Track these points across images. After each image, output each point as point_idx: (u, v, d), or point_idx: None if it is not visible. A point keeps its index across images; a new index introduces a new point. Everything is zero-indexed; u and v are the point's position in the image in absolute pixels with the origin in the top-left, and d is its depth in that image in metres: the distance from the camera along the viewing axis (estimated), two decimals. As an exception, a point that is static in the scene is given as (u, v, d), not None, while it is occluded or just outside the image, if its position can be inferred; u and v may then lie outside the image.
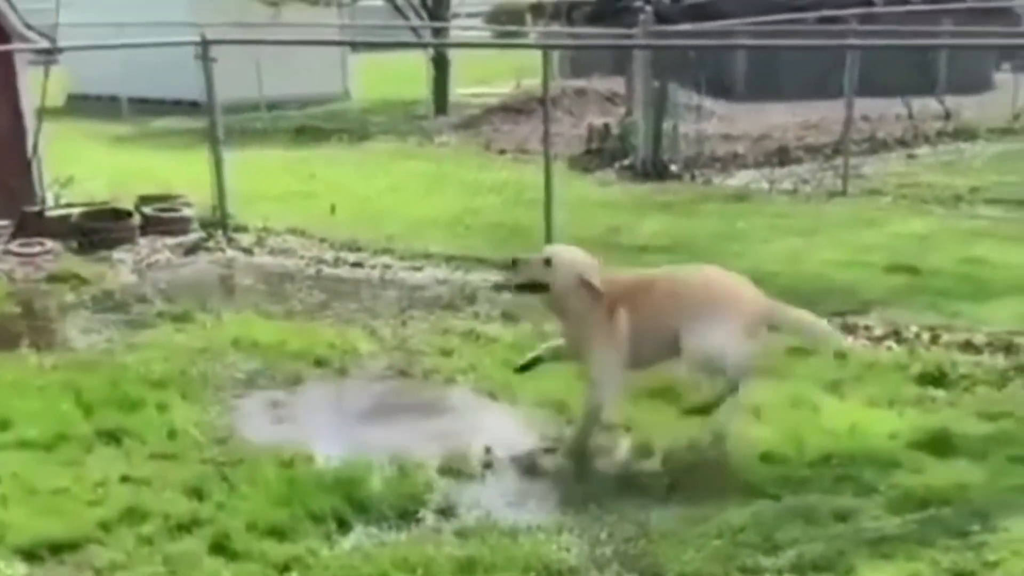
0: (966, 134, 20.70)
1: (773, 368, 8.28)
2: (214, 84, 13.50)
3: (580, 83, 24.08)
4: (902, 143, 19.91)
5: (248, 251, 13.04)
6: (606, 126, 19.29)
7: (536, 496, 6.72)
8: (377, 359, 9.14)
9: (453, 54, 27.18)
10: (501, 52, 29.86)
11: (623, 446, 7.24)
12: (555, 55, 28.21)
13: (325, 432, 7.77)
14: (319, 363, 8.98)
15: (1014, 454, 6.77)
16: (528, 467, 7.08)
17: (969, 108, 22.74)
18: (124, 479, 6.76)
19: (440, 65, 26.67)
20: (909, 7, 25.65)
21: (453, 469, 6.93)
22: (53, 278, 11.81)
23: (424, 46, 27.38)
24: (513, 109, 24.18)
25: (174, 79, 22.55)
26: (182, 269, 12.43)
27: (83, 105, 28.31)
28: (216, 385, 8.50)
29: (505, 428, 7.71)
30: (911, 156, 19.04)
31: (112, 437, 7.37)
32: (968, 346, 8.91)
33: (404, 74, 30.15)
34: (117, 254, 12.77)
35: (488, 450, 7.14)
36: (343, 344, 9.35)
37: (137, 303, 10.94)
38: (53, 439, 7.30)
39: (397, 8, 28.43)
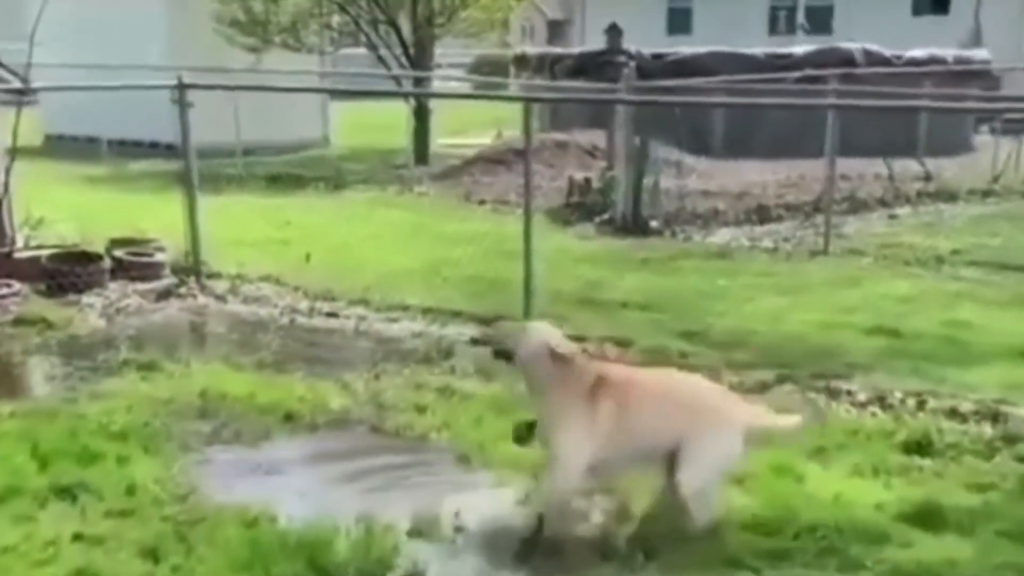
0: (946, 195, 20.59)
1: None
2: (189, 128, 13.28)
3: (561, 136, 23.90)
4: (883, 203, 19.74)
5: (221, 298, 12.76)
6: (587, 180, 19.10)
7: (507, 564, 6.45)
8: (349, 414, 8.87)
9: (434, 104, 27.03)
10: (482, 103, 29.70)
11: (600, 510, 6.92)
12: (536, 108, 28.14)
13: (292, 491, 7.42)
14: (288, 418, 8.72)
15: (1002, 529, 6.56)
16: (500, 533, 6.81)
17: (949, 170, 22.68)
18: (77, 537, 6.49)
19: (421, 115, 26.55)
20: (890, 69, 25.71)
21: (422, 533, 6.70)
22: (19, 321, 11.47)
23: (406, 95, 27.19)
24: (493, 160, 23.97)
25: (152, 121, 22.45)
26: (152, 315, 12.12)
27: (60, 146, 28.11)
28: (180, 439, 8.23)
29: (478, 490, 7.43)
30: (892, 216, 18.88)
31: (68, 492, 7.09)
32: (954, 414, 8.70)
33: (384, 123, 29.99)
34: (86, 298, 12.46)
35: (458, 514, 6.87)
36: (314, 398, 9.09)
37: (104, 350, 10.62)
38: (5, 492, 7.03)
39: (379, 57, 28.25)
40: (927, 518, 6.68)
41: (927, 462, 7.73)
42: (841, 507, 6.87)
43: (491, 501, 7.19)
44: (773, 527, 6.60)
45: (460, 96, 30.37)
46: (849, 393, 9.23)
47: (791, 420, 6.94)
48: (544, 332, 6.83)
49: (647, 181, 17.54)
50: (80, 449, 7.66)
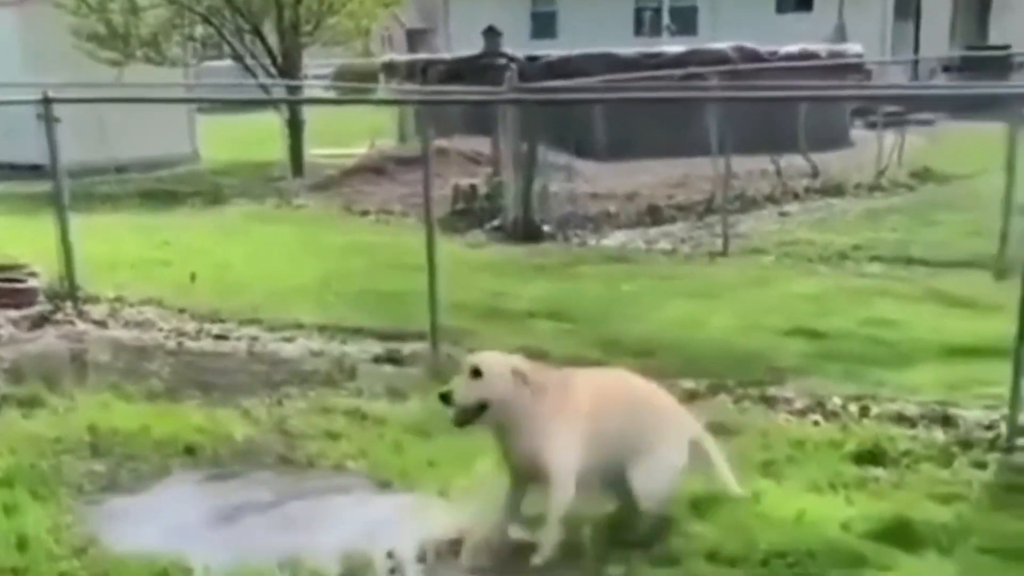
0: (833, 190, 20.44)
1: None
2: (57, 145, 12.47)
3: (441, 143, 23.30)
4: (772, 200, 19.52)
5: (101, 324, 11.99)
6: (472, 186, 18.59)
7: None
8: (254, 445, 8.20)
9: (306, 114, 26.22)
10: (354, 113, 28.88)
11: (550, 544, 6.29)
12: (412, 116, 27.59)
13: (202, 536, 6.75)
14: (189, 451, 8.04)
15: (983, 545, 6.13)
16: (439, 567, 6.23)
17: (830, 164, 22.54)
18: (-34, 601, 5.78)
19: (294, 125, 25.72)
20: (766, 64, 25.58)
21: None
22: None
23: (287, 103, 26.22)
24: (372, 170, 23.37)
25: (10, 142, 21.44)
26: (28, 345, 11.29)
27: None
28: (72, 482, 7.50)
29: (408, 524, 6.80)
30: (783, 214, 18.65)
31: (-49, 549, 6.35)
32: (901, 419, 8.31)
33: (254, 136, 29.24)
34: (-46, 330, 11.64)
35: (391, 554, 6.27)
36: (214, 428, 8.41)
37: (-21, 385, 9.83)
38: None
39: (246, 67, 27.40)
40: (899, 536, 6.22)
41: (882, 472, 7.30)
42: (806, 528, 6.38)
43: (423, 532, 6.57)
44: (738, 555, 6.09)
45: (348, 102, 29.11)
46: (786, 401, 8.81)
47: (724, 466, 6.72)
48: (503, 362, 6.20)
49: (536, 186, 17.04)
50: (-39, 500, 6.92)
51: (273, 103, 26.71)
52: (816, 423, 8.33)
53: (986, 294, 11.80)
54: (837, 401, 8.72)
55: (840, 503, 6.79)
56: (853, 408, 8.55)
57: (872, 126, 25.48)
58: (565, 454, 6.11)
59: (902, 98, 21.86)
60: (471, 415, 6.11)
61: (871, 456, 7.48)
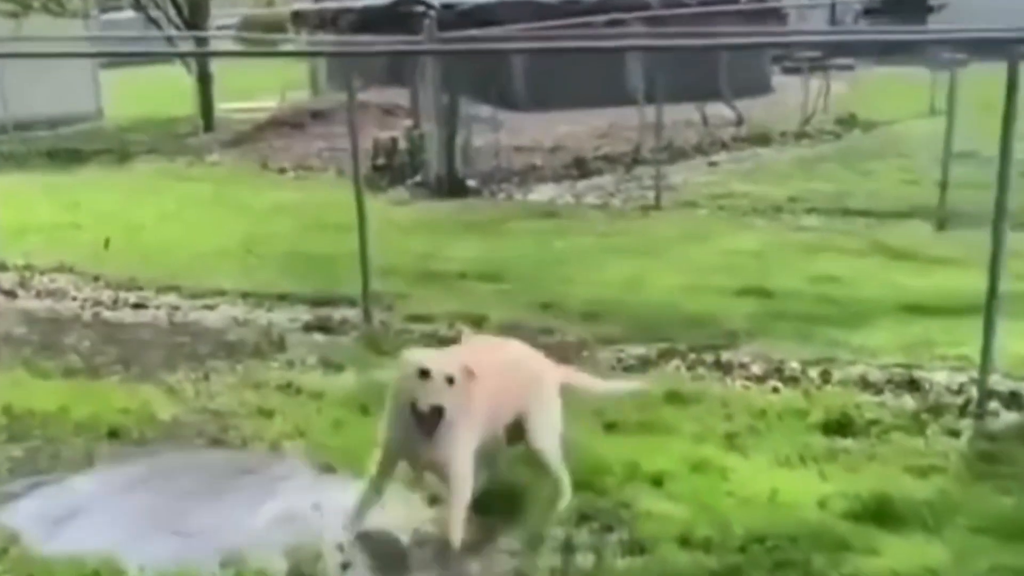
0: (760, 139, 20.19)
1: (652, 423, 7.22)
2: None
3: (360, 96, 22.70)
4: (699, 150, 19.22)
5: (10, 294, 11.37)
6: (393, 140, 17.97)
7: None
8: (182, 425, 7.65)
9: (213, 68, 25.39)
10: (263, 66, 28.17)
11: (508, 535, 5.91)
12: (324, 67, 26.92)
13: (133, 531, 6.14)
14: (113, 435, 7.47)
15: (972, 524, 5.75)
16: (394, 560, 5.78)
17: (751, 112, 22.29)
18: None
19: (203, 80, 24.90)
20: (688, 9, 25.16)
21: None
22: None
23: (195, 55, 25.39)
24: (286, 124, 22.72)
25: None
26: (-69, 319, 10.65)
27: None
28: (-12, 472, 6.93)
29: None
30: (712, 164, 18.36)
31: None
32: (866, 384, 7.94)
33: (160, 91, 28.35)
34: None
35: (342, 546, 5.79)
36: (138, 408, 7.85)
37: None
38: None
39: (151, 19, 26.52)
40: (881, 514, 5.84)
41: (852, 443, 6.92)
42: (781, 508, 6.01)
43: (374, 522, 6.08)
44: (713, 540, 5.68)
45: (261, 54, 27.94)
46: (742, 366, 8.42)
47: (611, 384, 6.90)
48: (450, 361, 5.72)
49: (459, 139, 16.52)
50: None
51: (181, 56, 25.81)
52: (776, 390, 7.95)
53: (929, 245, 11.60)
54: (795, 366, 8.34)
55: (813, 479, 6.41)
56: (813, 373, 8.18)
57: (789, 71, 25.32)
58: (465, 459, 5.77)
59: (827, 44, 21.53)
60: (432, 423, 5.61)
61: (838, 426, 7.10)
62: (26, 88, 22.45)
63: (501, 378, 5.93)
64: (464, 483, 5.76)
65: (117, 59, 31.70)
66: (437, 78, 16.57)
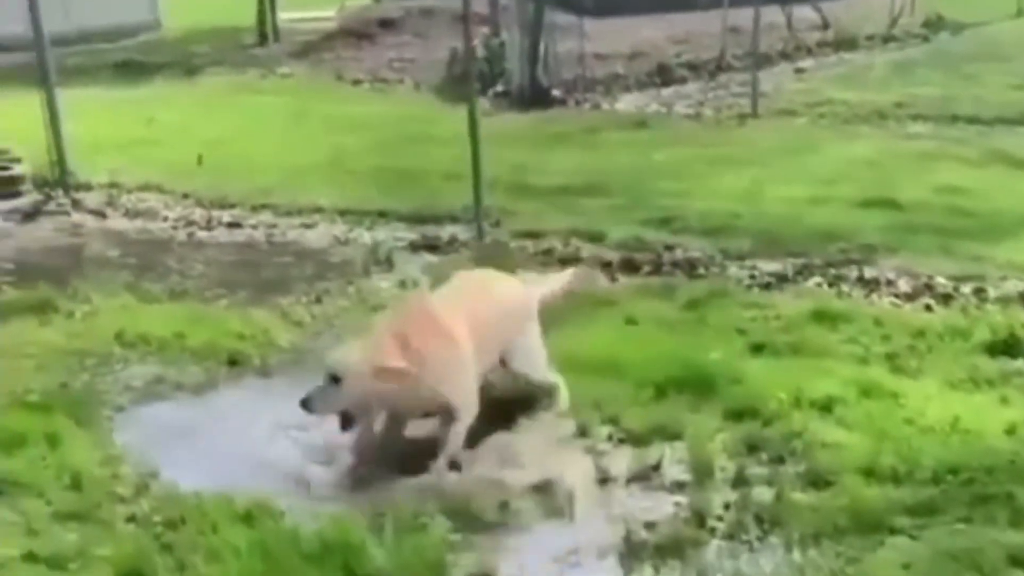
0: (846, 44, 19.57)
1: (803, 344, 6.84)
2: (40, 16, 11.37)
3: (425, 3, 22.24)
4: (784, 56, 18.64)
5: (99, 214, 11.02)
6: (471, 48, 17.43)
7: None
8: (304, 352, 7.30)
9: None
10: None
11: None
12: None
13: (277, 469, 5.76)
14: (233, 362, 7.17)
15: None
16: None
17: (831, 14, 21.61)
18: (29, 558, 4.95)
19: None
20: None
21: (474, 519, 5.25)
22: None
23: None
24: (355, 34, 22.22)
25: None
26: (23, 240, 10.32)
27: None
28: (111, 402, 6.61)
29: (532, 439, 6.01)
30: (799, 70, 17.81)
31: (-3, 490, 5.49)
32: (1025, 301, 7.51)
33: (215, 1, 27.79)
34: (-61, 226, 10.68)
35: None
36: (255, 333, 7.55)
37: (-21, 288, 8.89)
38: (-86, 496, 5.40)
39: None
40: (1078, 441, 5.47)
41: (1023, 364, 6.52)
42: (967, 436, 5.64)
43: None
44: (900, 471, 5.33)
45: None
46: (889, 283, 8.02)
47: (563, 277, 6.96)
48: (358, 364, 5.58)
49: (542, 47, 16.01)
50: (-1, 429, 6.02)
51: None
52: (928, 308, 7.55)
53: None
54: (943, 282, 7.93)
55: (993, 404, 6.05)
56: (966, 290, 7.76)
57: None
58: (467, 393, 5.83)
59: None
60: (348, 421, 5.68)
61: (1006, 346, 6.73)
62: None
63: (487, 320, 5.98)
64: (463, 426, 5.82)
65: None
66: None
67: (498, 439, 5.95)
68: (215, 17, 26.97)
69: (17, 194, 11.54)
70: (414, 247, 9.50)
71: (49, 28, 11.70)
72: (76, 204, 11.23)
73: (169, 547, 4.98)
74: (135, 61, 21.50)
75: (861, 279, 8.08)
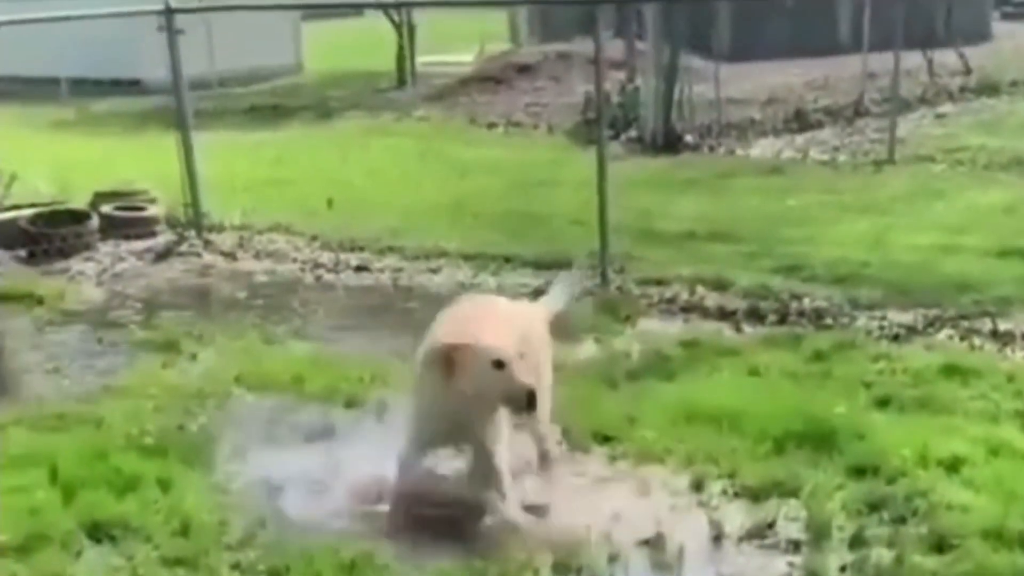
0: (988, 89, 19.11)
1: (931, 399, 6.61)
2: (180, 59, 11.55)
3: (561, 47, 22.27)
4: (924, 101, 18.26)
5: (229, 255, 11.15)
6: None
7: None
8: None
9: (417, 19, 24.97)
10: (460, 17, 27.73)
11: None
12: (525, 17, 26.46)
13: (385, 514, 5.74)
14: (350, 405, 7.14)
15: None
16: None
17: (972, 60, 21.19)
18: (134, 604, 4.92)
19: (405, 31, 24.46)
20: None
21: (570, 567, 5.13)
22: (2, 297, 9.79)
23: (399, 6, 24.64)
24: (490, 78, 22.33)
25: (113, 56, 20.65)
26: (154, 280, 10.48)
27: (12, 88, 25.83)
28: (227, 446, 6.61)
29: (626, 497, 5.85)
30: (939, 116, 17.44)
31: (104, 533, 5.53)
32: None
33: (358, 44, 28.14)
34: (75, 264, 10.89)
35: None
36: (375, 378, 7.49)
37: (108, 327, 9.02)
38: (29, 539, 5.41)
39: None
40: None
41: None
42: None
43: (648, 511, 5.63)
44: (1034, 537, 5.09)
45: (463, 4, 26.70)
46: (1024, 337, 7.74)
47: (562, 289, 6.86)
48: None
49: (677, 92, 15.91)
50: (111, 472, 6.04)
51: (384, 7, 25.26)
52: (1070, 365, 7.27)
53: None
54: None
55: None
56: (1107, 347, 7.47)
57: (1009, 17, 24.10)
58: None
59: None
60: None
61: None
62: (231, 43, 22.43)
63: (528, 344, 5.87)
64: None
65: (314, 11, 31.59)
66: (657, 28, 15.95)
67: (611, 490, 5.84)
68: (355, 61, 27.37)
69: (152, 234, 11.73)
70: (537, 294, 9.37)
71: (194, 71, 11.88)
72: (208, 245, 11.38)
73: (272, 597, 4.94)
74: (271, 104, 21.85)
75: (995, 332, 7.82)
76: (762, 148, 15.76)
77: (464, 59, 25.81)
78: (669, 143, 15.53)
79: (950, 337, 7.90)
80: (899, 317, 8.24)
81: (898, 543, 5.16)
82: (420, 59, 26.07)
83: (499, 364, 5.33)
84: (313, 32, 29.59)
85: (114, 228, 11.62)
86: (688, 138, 15.76)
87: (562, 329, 8.18)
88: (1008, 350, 7.57)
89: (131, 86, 23.21)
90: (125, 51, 21.87)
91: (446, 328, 5.74)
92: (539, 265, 10.13)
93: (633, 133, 16.17)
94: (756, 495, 5.67)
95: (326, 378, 7.49)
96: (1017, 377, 6.95)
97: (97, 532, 5.53)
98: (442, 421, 5.60)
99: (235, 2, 15.78)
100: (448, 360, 5.40)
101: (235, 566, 5.24)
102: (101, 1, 13.63)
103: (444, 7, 26.45)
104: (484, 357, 5.36)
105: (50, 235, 11.10)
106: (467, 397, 5.41)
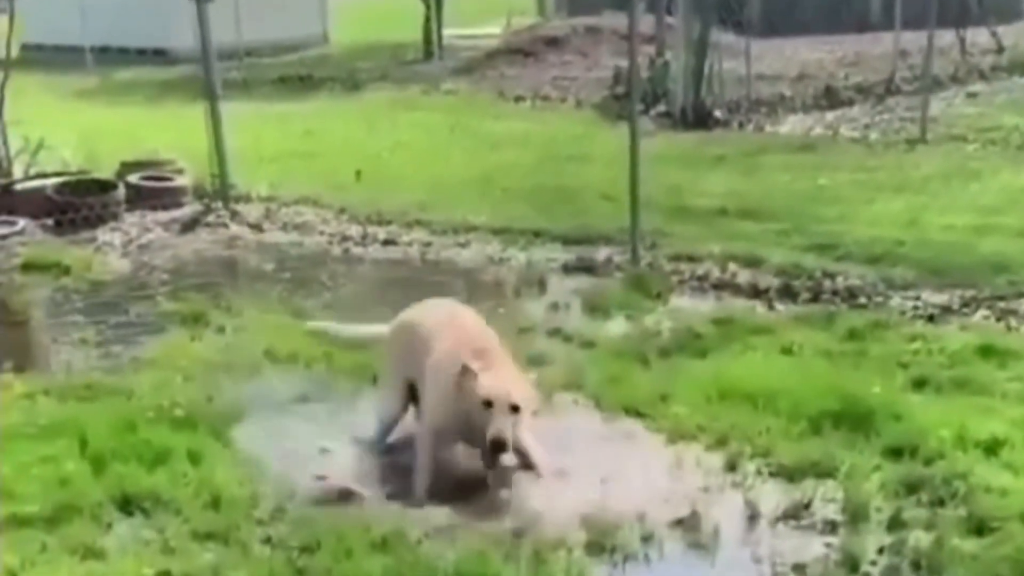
0: (1021, 68, 18.93)
1: (968, 380, 6.52)
2: (209, 28, 11.49)
3: (590, 21, 22.12)
4: (956, 80, 18.10)
5: (256, 227, 11.10)
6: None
7: None
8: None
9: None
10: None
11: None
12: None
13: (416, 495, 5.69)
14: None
15: None
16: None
17: (1006, 38, 20.99)
18: (163, 577, 4.86)
19: (435, 3, 24.34)
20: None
21: (604, 546, 5.06)
22: (29, 266, 9.81)
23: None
24: (518, 51, 22.20)
25: (138, 25, 20.60)
26: (181, 251, 10.44)
27: (39, 56, 25.84)
28: (256, 420, 6.55)
29: (660, 475, 5.78)
30: (971, 95, 17.25)
31: (135, 506, 5.46)
32: None
33: (386, 15, 28.00)
34: (101, 234, 10.88)
35: (643, 517, 5.24)
36: (403, 352, 7.40)
37: (135, 299, 8.98)
38: (57, 511, 5.35)
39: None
40: None
41: None
42: None
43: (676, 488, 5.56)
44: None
45: None
46: (1073, 322, 7.64)
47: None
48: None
49: (707, 67, 15.78)
50: (141, 445, 5.97)
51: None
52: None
53: None
54: None
55: None
56: None
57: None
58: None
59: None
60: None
61: None
62: (258, 13, 22.39)
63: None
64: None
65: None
66: (688, 3, 15.84)
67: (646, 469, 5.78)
68: (382, 32, 27.24)
69: (178, 205, 11.68)
70: (567, 269, 9.35)
71: (220, 41, 11.82)
72: (235, 216, 11.33)
73: (303, 572, 4.90)
74: (298, 75, 21.77)
75: (1032, 316, 7.71)
76: (792, 125, 15.65)
77: (492, 32, 25.66)
78: (699, 119, 15.41)
79: (986, 318, 7.79)
80: (934, 297, 8.14)
81: (937, 525, 5.08)
82: (447, 31, 25.98)
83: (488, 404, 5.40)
84: (339, 3, 29.47)
85: (140, 198, 11.58)
86: (717, 114, 15.61)
87: (594, 305, 8.27)
88: (1048, 335, 7.47)
89: (156, 55, 23.16)
90: (151, 20, 21.86)
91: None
92: (568, 240, 10.07)
93: (662, 108, 16.05)
94: (791, 475, 5.60)
95: (355, 354, 7.40)
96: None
97: (127, 504, 5.47)
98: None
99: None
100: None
101: (266, 540, 5.18)
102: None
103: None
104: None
105: (76, 204, 11.06)
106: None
